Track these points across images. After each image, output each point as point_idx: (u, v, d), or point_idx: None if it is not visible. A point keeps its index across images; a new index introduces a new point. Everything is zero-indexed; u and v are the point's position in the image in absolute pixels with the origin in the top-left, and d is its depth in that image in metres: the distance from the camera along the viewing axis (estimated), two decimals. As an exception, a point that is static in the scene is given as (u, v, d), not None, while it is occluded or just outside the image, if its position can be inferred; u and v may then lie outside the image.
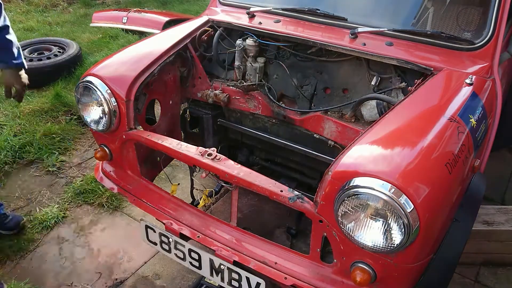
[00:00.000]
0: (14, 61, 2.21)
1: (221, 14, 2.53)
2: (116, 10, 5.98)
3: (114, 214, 2.85)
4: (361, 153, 1.45)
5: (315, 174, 2.36)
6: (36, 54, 4.50)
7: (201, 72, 2.34)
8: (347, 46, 2.04)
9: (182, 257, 1.87)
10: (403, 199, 1.28)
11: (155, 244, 1.95)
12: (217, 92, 2.27)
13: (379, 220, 1.35)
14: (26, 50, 4.48)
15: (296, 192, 1.57)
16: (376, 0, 2.36)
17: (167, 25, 4.86)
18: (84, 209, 2.89)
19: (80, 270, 2.44)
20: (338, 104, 2.06)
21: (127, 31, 5.52)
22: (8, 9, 6.86)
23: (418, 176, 1.36)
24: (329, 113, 2.07)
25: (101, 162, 2.20)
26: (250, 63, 2.25)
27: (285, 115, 2.17)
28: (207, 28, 2.42)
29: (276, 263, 1.66)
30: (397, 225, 1.32)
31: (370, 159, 1.41)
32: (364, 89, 2.08)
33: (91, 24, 5.80)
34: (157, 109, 2.28)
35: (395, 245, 1.34)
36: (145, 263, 2.49)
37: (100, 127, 1.98)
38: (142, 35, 5.22)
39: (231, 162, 1.72)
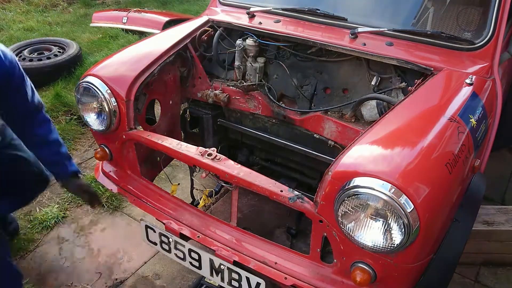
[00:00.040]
0: (69, 170, 2.06)
1: (221, 14, 2.53)
2: (116, 10, 5.98)
3: (114, 214, 2.85)
4: (361, 153, 1.45)
5: (315, 174, 2.36)
6: (36, 54, 4.49)
7: (201, 72, 2.34)
8: (347, 46, 2.04)
9: (182, 257, 1.87)
10: (403, 199, 1.28)
11: (155, 244, 1.95)
12: (217, 92, 2.27)
13: (379, 220, 1.35)
14: (26, 50, 4.48)
15: (296, 192, 1.57)
16: (376, 0, 2.36)
17: (167, 25, 4.86)
18: (84, 209, 2.89)
19: (80, 270, 2.44)
20: (338, 104, 2.06)
21: (127, 31, 5.52)
22: (8, 9, 6.87)
23: (418, 176, 1.36)
24: (329, 113, 2.07)
25: (101, 162, 2.20)
26: (250, 63, 2.25)
27: (285, 115, 2.17)
28: (207, 28, 2.42)
29: (276, 263, 1.66)
30: (397, 225, 1.32)
31: (370, 159, 1.41)
32: (364, 89, 2.08)
33: (91, 24, 5.80)
34: (157, 109, 2.28)
35: (395, 245, 1.34)
36: (145, 263, 2.49)
37: (100, 127, 1.98)
38: (142, 35, 5.22)
39: (231, 162, 1.72)
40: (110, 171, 2.15)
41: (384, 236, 1.36)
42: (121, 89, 1.93)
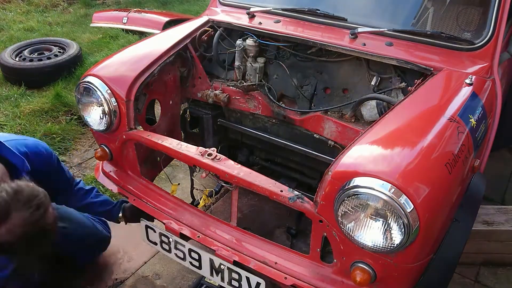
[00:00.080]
0: (117, 208, 2.31)
1: (221, 14, 2.53)
2: (116, 10, 5.98)
3: (114, 214, 2.84)
4: (361, 153, 1.45)
5: (315, 174, 2.36)
6: (36, 54, 4.50)
7: (201, 72, 2.34)
8: (347, 46, 2.04)
9: (182, 257, 1.87)
10: (403, 199, 1.28)
11: (155, 244, 1.95)
12: (217, 92, 2.27)
13: (379, 220, 1.35)
14: (27, 50, 4.48)
15: (296, 192, 1.57)
16: (376, 0, 2.36)
17: (167, 25, 4.86)
18: (84, 209, 2.88)
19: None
20: (338, 104, 2.06)
21: (127, 31, 5.52)
22: (8, 9, 6.87)
23: (418, 176, 1.36)
24: (329, 113, 2.07)
25: (101, 162, 2.20)
26: (250, 63, 2.25)
27: (285, 115, 2.17)
28: (207, 28, 2.42)
29: (276, 263, 1.66)
30: (397, 225, 1.32)
31: (370, 159, 1.41)
32: (364, 89, 2.08)
33: (91, 24, 5.80)
34: (157, 109, 2.28)
35: (395, 245, 1.34)
36: (145, 263, 2.48)
37: (100, 127, 1.98)
38: (142, 35, 5.22)
39: (231, 162, 1.72)
40: (110, 171, 2.15)
41: (384, 236, 1.36)
42: (121, 89, 1.93)
